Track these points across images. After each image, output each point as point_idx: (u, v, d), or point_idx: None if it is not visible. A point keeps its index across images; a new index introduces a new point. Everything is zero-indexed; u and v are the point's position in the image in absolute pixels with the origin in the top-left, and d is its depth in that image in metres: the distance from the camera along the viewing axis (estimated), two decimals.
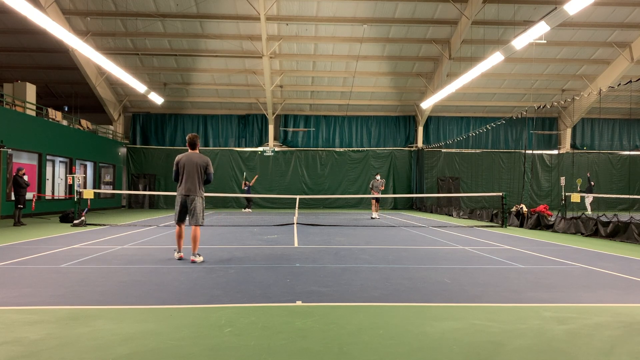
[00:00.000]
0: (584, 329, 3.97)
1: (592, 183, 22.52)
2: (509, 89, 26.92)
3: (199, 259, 7.32)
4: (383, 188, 19.32)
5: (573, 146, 28.91)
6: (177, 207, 7.52)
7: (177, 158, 7.56)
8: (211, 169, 7.59)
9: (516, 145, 28.62)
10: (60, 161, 22.06)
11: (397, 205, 28.69)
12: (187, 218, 7.50)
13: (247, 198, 24.69)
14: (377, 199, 19.29)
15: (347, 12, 20.75)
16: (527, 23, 18.31)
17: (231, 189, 26.89)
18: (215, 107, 28.25)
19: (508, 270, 6.81)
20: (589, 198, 21.36)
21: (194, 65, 24.64)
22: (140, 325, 3.94)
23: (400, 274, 6.39)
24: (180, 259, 7.56)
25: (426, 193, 26.88)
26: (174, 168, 7.55)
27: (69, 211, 15.66)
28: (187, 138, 7.65)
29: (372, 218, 18.80)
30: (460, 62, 22.71)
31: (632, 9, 20.56)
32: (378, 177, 19.06)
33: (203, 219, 7.48)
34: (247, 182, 24.57)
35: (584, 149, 28.45)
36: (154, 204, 27.20)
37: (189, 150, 7.61)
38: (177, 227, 7.68)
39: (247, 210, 24.33)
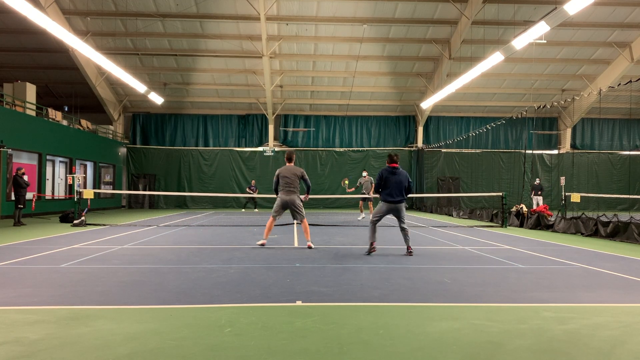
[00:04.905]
0: (583, 329, 3.97)
1: (538, 181, 22.41)
2: (509, 89, 26.92)
3: (312, 245, 9.02)
4: (373, 190, 16.32)
5: (573, 146, 28.92)
6: (278, 207, 9.20)
7: (277, 171, 9.30)
8: (307, 177, 9.22)
9: (516, 145, 28.59)
10: (60, 161, 22.05)
11: None
12: (294, 217, 9.30)
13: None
14: (366, 199, 17.39)
15: (347, 12, 20.74)
16: (527, 23, 18.29)
17: (231, 189, 26.88)
18: (215, 107, 28.23)
19: (508, 270, 6.81)
20: (536, 198, 21.25)
21: (194, 65, 24.64)
22: (140, 325, 3.94)
23: (400, 274, 6.38)
24: (262, 245, 9.20)
25: (426, 193, 26.86)
26: (274, 179, 9.31)
27: (69, 211, 15.65)
28: (285, 154, 9.48)
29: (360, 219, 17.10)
30: (460, 62, 22.70)
31: (632, 9, 20.55)
32: (365, 174, 17.54)
33: (304, 214, 9.13)
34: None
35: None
36: (154, 204, 27.18)
37: (287, 164, 9.32)
38: (271, 218, 9.29)
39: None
